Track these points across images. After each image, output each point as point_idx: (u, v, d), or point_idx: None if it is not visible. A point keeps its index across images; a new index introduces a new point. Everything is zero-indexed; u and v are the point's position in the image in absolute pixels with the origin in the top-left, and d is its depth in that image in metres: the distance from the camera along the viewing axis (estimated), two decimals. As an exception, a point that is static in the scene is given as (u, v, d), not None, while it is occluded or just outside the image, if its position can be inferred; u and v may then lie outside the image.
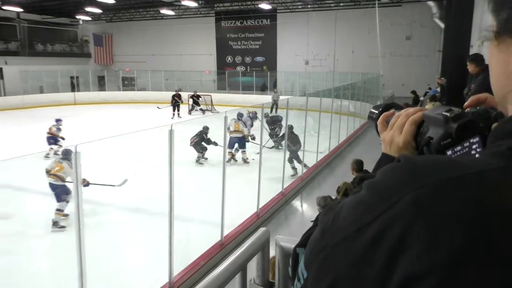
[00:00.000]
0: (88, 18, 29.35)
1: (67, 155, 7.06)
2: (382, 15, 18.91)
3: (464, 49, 8.35)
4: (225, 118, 6.47)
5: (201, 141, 10.49)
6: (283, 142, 10.40)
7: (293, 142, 9.39)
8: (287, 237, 1.52)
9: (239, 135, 10.50)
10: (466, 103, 0.61)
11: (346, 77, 20.39)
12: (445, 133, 0.55)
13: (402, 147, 0.66)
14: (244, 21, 28.42)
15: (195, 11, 27.56)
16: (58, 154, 11.10)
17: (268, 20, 27.68)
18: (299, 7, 26.12)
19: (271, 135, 11.68)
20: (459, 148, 0.53)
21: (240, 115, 11.22)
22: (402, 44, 24.12)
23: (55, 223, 6.76)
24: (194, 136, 10.52)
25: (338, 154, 11.61)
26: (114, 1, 22.16)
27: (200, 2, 24.14)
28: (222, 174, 5.99)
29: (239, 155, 10.65)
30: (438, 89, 11.20)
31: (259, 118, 10.69)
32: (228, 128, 9.96)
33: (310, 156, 9.70)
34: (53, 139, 11.67)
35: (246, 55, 29.20)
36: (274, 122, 11.93)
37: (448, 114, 0.56)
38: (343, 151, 12.11)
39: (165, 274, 4.79)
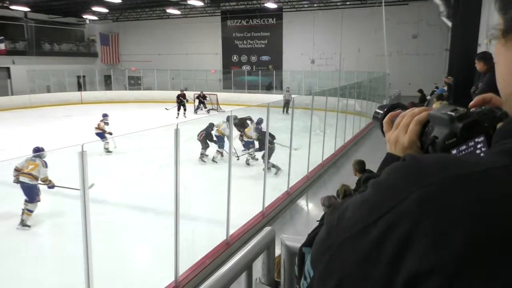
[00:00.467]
0: (95, 18, 29.50)
1: (39, 152, 7.00)
2: (388, 14, 18.83)
3: (471, 48, 8.28)
4: (230, 117, 6.48)
5: (207, 136, 10.57)
6: (251, 148, 10.55)
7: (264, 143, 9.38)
8: (292, 236, 1.52)
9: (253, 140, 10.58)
10: (471, 103, 0.61)
11: (352, 76, 20.33)
12: (450, 132, 0.55)
13: (407, 147, 0.66)
14: (250, 20, 28.43)
15: (201, 10, 27.61)
16: (107, 148, 11.36)
17: (274, 19, 27.67)
18: (305, 6, 26.07)
19: (241, 139, 10.96)
20: (464, 147, 0.53)
21: (260, 121, 10.38)
22: (408, 42, 24.00)
23: (22, 222, 6.65)
24: (202, 131, 10.61)
25: (344, 154, 11.59)
26: (120, 1, 22.27)
27: (206, 1, 24.17)
28: (228, 173, 6.00)
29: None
30: (445, 88, 11.12)
31: (255, 121, 10.60)
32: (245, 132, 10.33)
33: (316, 154, 9.68)
34: (101, 135, 11.84)
35: (251, 54, 29.20)
36: (242, 124, 11.15)
37: (453, 113, 0.56)
38: (348, 150, 12.08)
39: (171, 273, 4.80)
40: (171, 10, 26.69)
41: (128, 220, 7.15)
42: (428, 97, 14.43)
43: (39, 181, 6.80)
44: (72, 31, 31.08)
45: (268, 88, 26.53)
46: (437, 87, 15.67)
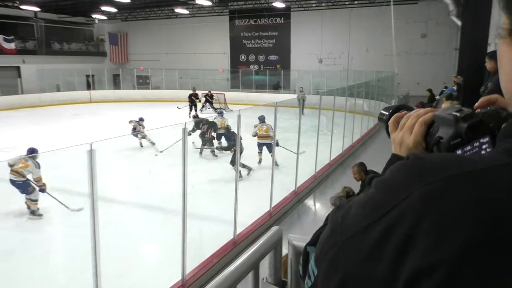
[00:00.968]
0: (104, 17, 29.68)
1: (33, 153, 7.10)
2: (397, 13, 18.72)
3: (481, 47, 8.19)
4: (239, 116, 6.47)
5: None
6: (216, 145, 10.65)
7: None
8: (299, 236, 1.52)
9: (269, 140, 9.63)
10: (476, 104, 0.61)
11: (360, 76, 20.23)
12: (455, 133, 0.55)
13: (412, 148, 0.66)
14: (258, 20, 28.41)
15: (209, 9, 27.66)
16: (150, 141, 11.93)
17: (282, 18, 27.62)
18: (313, 5, 25.99)
19: (202, 136, 11.12)
20: (469, 147, 0.54)
21: (262, 118, 10.30)
22: (417, 42, 23.82)
23: (32, 212, 6.91)
24: (209, 128, 10.82)
25: (351, 154, 11.54)
26: (129, 0, 22.38)
27: (214, 1, 24.20)
28: (235, 173, 6.01)
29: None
30: (455, 88, 11.03)
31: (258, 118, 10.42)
32: (256, 134, 9.97)
33: (324, 154, 9.66)
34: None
35: (259, 53, 29.20)
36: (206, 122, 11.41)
37: (458, 114, 0.56)
38: (356, 151, 12.03)
39: (178, 272, 4.82)
40: (179, 10, 26.77)
41: (136, 218, 7.20)
42: (437, 97, 14.32)
43: (31, 180, 6.91)
44: (81, 31, 31.32)
45: (276, 88, 26.48)
46: (446, 87, 15.54)
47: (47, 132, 14.87)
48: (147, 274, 5.40)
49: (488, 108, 0.59)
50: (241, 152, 9.18)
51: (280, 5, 24.26)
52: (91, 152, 3.68)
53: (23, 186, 6.91)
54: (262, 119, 10.24)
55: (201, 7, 26.26)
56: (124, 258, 5.56)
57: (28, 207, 6.98)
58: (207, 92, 21.24)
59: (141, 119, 12.76)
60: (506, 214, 0.36)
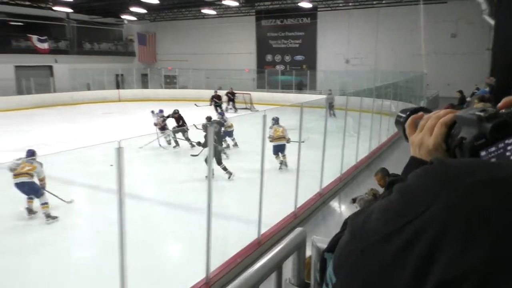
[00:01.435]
0: (133, 18, 30.26)
1: (34, 155, 7.16)
2: (426, 12, 18.30)
3: (515, 47, 7.94)
4: (264, 116, 6.48)
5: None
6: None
7: (220, 141, 9.24)
8: (323, 238, 1.51)
9: (283, 142, 9.60)
10: (499, 104, 0.58)
11: (388, 76, 19.88)
12: (479, 133, 0.53)
13: (432, 150, 0.63)
14: (284, 20, 28.34)
15: (236, 10, 27.78)
16: (173, 136, 12.33)
17: (309, 18, 27.46)
18: (340, 5, 25.73)
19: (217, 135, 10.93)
20: (493, 149, 0.51)
21: (277, 119, 10.10)
22: (446, 42, 23.18)
23: (48, 216, 6.93)
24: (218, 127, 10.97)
25: (378, 156, 11.36)
26: (158, 1, 22.73)
27: (241, 1, 24.30)
28: (260, 172, 6.00)
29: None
30: (487, 89, 10.70)
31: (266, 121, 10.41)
32: (271, 136, 9.47)
33: (350, 156, 9.54)
34: (162, 128, 12.69)
35: (285, 53, 29.12)
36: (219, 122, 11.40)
37: (482, 114, 0.54)
38: (383, 153, 11.84)
39: (202, 269, 4.87)
40: (206, 10, 27.00)
41: (162, 215, 7.31)
42: (468, 99, 13.89)
43: (36, 179, 6.97)
44: (111, 31, 32.04)
45: (299, 87, 26.26)
46: (477, 88, 15.07)
47: (78, 129, 15.29)
48: (172, 271, 5.47)
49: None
50: (223, 152, 9.15)
51: (306, 5, 24.11)
52: (119, 150, 3.76)
53: (33, 188, 6.90)
54: (276, 120, 9.99)
55: (228, 7, 26.41)
56: (149, 254, 5.66)
57: (43, 211, 6.96)
58: (228, 90, 21.39)
59: (161, 111, 13.05)
60: None
